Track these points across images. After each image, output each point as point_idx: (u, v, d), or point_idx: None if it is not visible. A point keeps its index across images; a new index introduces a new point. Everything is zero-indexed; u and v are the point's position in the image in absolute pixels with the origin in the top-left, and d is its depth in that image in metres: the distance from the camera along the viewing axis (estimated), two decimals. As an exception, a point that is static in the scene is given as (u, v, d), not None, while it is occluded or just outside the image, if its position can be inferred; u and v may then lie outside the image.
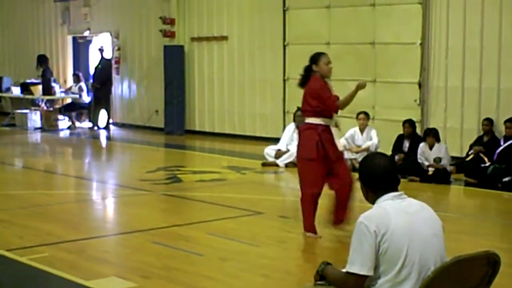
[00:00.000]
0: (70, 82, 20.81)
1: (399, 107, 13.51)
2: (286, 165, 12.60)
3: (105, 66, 18.94)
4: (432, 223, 3.57)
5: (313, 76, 7.66)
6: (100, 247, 7.36)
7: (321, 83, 7.64)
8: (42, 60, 19.84)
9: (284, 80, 15.69)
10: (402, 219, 3.46)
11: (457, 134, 12.89)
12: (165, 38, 17.90)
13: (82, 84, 19.52)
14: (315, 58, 7.72)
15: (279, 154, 12.83)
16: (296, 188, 7.88)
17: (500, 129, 11.92)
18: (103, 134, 18.38)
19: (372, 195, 3.63)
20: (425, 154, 11.46)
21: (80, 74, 19.88)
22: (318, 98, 7.57)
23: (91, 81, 19.38)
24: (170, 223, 8.31)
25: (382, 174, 3.62)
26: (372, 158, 3.79)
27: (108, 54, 19.26)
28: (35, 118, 19.33)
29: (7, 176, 12.33)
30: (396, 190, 3.62)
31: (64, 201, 9.85)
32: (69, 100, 19.83)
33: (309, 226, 7.68)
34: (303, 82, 7.81)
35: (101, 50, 18.93)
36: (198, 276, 6.24)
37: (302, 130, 7.88)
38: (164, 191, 10.50)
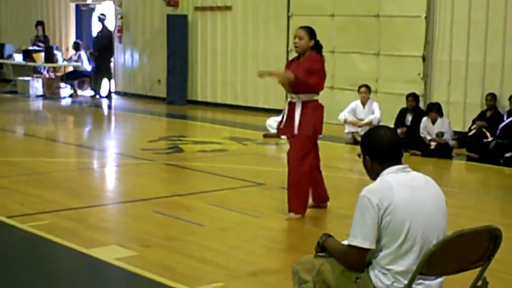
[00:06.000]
0: (72, 50, 20.75)
1: (403, 80, 13.46)
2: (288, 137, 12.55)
3: (104, 34, 18.83)
4: (435, 198, 3.56)
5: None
6: (101, 215, 7.37)
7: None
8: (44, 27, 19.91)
9: (288, 52, 15.60)
10: (405, 192, 3.44)
11: (460, 108, 12.87)
12: (169, 7, 17.81)
13: (82, 53, 19.45)
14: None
15: (281, 125, 12.77)
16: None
17: (504, 104, 11.89)
18: (104, 102, 18.35)
19: (378, 167, 3.61)
20: (428, 128, 11.43)
21: (80, 43, 19.80)
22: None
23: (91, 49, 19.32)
24: (171, 193, 8.31)
25: (388, 145, 3.61)
26: (377, 129, 3.79)
27: (109, 23, 19.15)
28: (37, 86, 19.29)
29: (9, 143, 12.33)
30: (400, 162, 3.61)
31: (66, 169, 9.85)
32: (71, 68, 19.77)
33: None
34: None
35: (101, 18, 18.82)
36: (198, 246, 6.25)
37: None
38: (166, 160, 10.50)
